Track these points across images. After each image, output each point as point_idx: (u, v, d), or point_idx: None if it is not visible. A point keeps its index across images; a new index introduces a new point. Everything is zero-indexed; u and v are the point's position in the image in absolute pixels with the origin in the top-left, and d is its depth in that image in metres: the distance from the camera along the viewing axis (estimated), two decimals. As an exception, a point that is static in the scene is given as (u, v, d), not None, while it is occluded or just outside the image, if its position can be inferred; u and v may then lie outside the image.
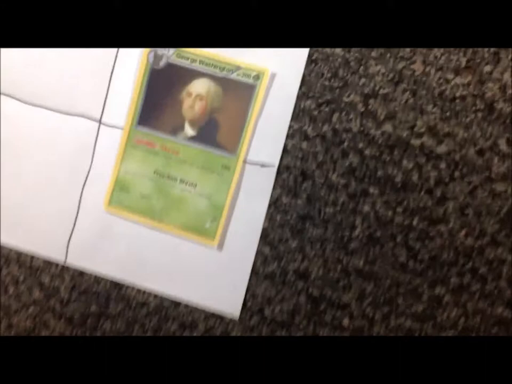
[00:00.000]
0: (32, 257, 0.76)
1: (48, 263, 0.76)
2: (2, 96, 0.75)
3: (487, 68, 0.65)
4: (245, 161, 0.70)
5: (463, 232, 0.67)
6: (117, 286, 0.75)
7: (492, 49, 0.65)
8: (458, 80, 0.66)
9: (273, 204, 0.70)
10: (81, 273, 0.75)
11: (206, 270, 0.72)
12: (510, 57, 0.66)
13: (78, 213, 0.74)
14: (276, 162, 0.69)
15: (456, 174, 0.66)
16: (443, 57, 0.66)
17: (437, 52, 0.66)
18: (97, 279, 0.75)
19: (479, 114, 0.66)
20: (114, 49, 0.72)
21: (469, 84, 0.66)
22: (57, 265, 0.76)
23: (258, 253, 0.71)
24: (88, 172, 0.74)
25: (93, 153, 0.73)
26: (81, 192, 0.74)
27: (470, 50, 0.65)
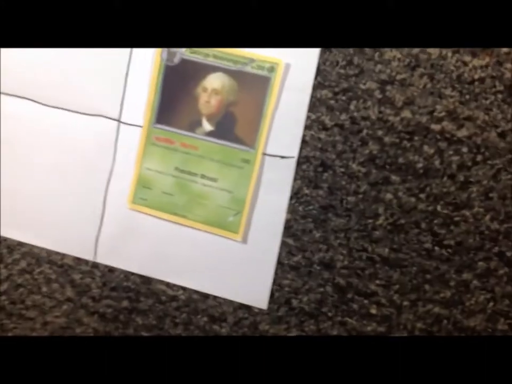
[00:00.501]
0: (63, 256, 0.78)
1: (78, 261, 0.77)
2: (22, 99, 0.76)
3: (505, 49, 0.63)
4: (264, 154, 0.70)
5: (488, 216, 0.66)
6: (146, 281, 0.76)
7: (511, 29, 0.63)
8: (476, 62, 0.64)
9: (295, 195, 0.70)
10: (111, 270, 0.76)
11: (232, 263, 0.73)
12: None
13: (103, 211, 0.75)
14: (295, 153, 0.69)
15: (479, 157, 0.65)
16: (460, 39, 0.64)
17: (453, 33, 0.64)
18: (127, 275, 0.76)
19: (499, 96, 0.64)
20: (128, 49, 0.72)
21: (487, 66, 0.64)
22: (87, 262, 0.77)
23: (283, 244, 0.71)
24: (111, 171, 0.74)
25: (114, 152, 0.74)
26: (106, 191, 0.75)
27: (488, 30, 0.63)
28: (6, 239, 0.79)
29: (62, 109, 0.75)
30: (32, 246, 0.78)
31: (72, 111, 0.74)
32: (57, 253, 0.78)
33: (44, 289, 0.79)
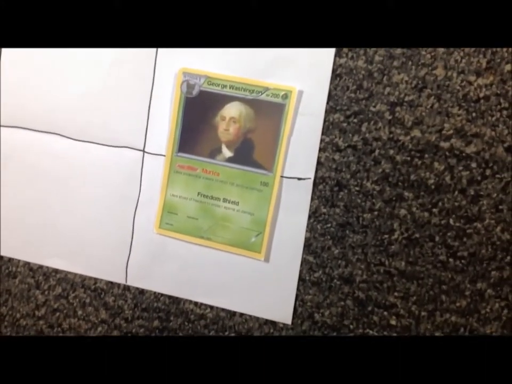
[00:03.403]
0: (96, 281, 0.82)
1: (110, 285, 0.81)
2: (53, 135, 0.80)
3: (508, 67, 0.66)
4: (282, 177, 0.73)
5: (499, 228, 0.68)
6: (175, 301, 0.79)
7: (511, 49, 0.66)
8: (480, 81, 0.67)
9: (313, 214, 0.73)
10: (141, 292, 0.80)
11: (255, 281, 0.76)
12: (531, 51, 0.66)
13: (132, 237, 0.79)
14: (312, 175, 0.72)
15: (488, 172, 0.68)
16: (463, 60, 0.67)
17: (457, 55, 0.67)
18: (157, 296, 0.80)
19: (504, 113, 0.67)
20: (149, 84, 0.76)
21: (491, 84, 0.67)
22: (119, 286, 0.81)
23: (303, 262, 0.74)
24: (138, 199, 0.78)
25: (140, 180, 0.78)
26: (134, 218, 0.79)
27: (489, 51, 0.66)
28: (41, 267, 0.83)
29: (90, 142, 0.79)
30: (67, 272, 0.82)
31: (99, 143, 0.79)
32: (91, 278, 0.82)
33: (79, 312, 0.83)
